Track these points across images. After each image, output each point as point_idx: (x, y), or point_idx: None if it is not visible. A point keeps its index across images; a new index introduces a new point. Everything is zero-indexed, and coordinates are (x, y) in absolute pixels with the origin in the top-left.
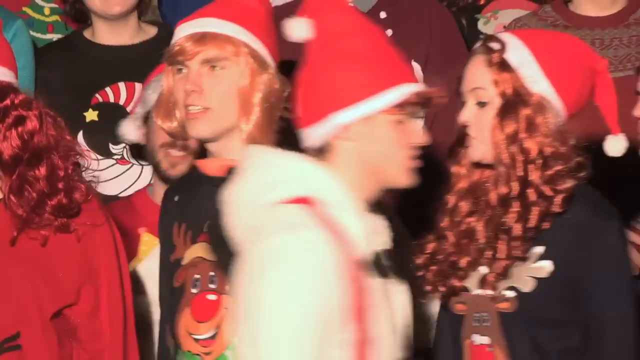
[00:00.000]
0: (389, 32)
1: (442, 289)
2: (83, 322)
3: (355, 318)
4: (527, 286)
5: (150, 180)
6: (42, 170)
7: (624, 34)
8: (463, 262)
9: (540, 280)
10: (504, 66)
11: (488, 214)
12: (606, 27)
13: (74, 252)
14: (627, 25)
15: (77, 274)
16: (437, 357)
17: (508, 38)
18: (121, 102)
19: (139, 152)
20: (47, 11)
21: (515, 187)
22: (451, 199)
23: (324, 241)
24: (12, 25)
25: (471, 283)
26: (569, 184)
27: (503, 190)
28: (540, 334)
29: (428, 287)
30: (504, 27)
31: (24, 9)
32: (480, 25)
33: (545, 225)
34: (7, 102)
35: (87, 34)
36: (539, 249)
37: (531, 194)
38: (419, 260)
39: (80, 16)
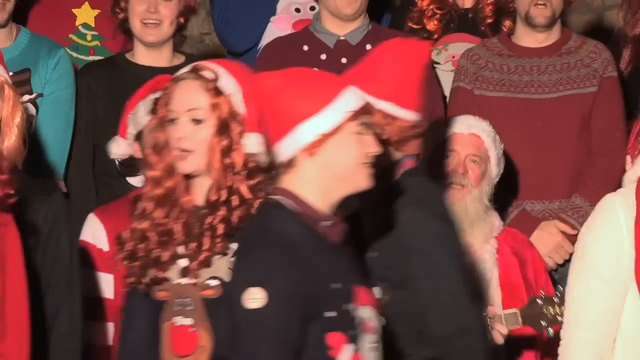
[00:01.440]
0: None
1: (145, 280)
2: None
3: None
4: (225, 273)
5: None
6: None
7: (557, 61)
8: (165, 256)
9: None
10: (218, 91)
11: (184, 217)
12: (542, 56)
13: None
14: (559, 55)
15: None
16: (127, 336)
17: (218, 69)
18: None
19: (130, 165)
20: (89, 37)
21: (224, 194)
22: (148, 205)
23: None
24: (56, 52)
25: (173, 274)
26: (265, 191)
27: (213, 196)
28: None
29: (131, 279)
30: (453, 56)
31: (70, 35)
32: (434, 56)
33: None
34: None
35: (128, 55)
36: (234, 246)
37: (235, 200)
38: (120, 256)
39: (125, 33)
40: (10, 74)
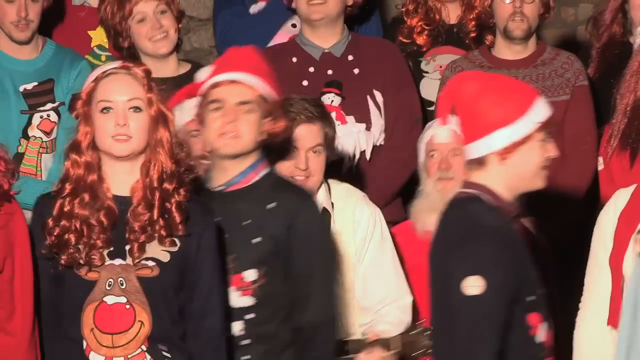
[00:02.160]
0: (356, 70)
1: (83, 260)
2: (4, 286)
3: None
4: (165, 258)
5: None
6: None
7: (533, 72)
8: (99, 242)
9: (172, 254)
10: (151, 88)
11: (106, 206)
12: (519, 68)
13: (0, 233)
14: (535, 66)
15: (2, 249)
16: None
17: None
18: None
19: None
20: (103, 58)
21: (157, 181)
22: (70, 199)
23: None
24: (78, 64)
25: (107, 256)
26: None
27: (146, 186)
28: (174, 293)
29: (62, 261)
30: (440, 66)
31: (86, 56)
32: (423, 66)
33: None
34: None
35: None
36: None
37: (167, 188)
38: (49, 241)
39: (133, 58)
40: (35, 83)
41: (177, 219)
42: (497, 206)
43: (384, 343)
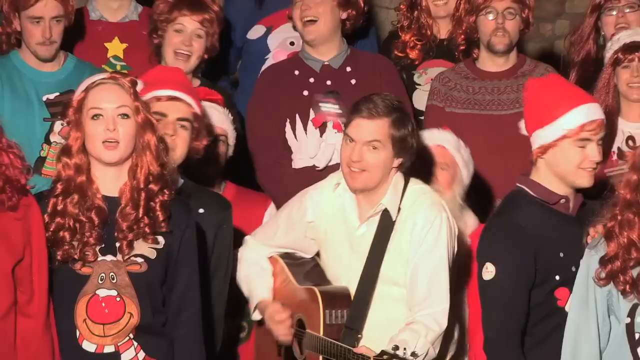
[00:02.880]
0: (353, 81)
1: (77, 256)
2: (23, 274)
3: None
4: (152, 255)
5: None
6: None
7: (514, 83)
8: (91, 239)
9: (158, 250)
10: (137, 97)
11: (96, 205)
12: (501, 79)
13: (19, 222)
14: (515, 77)
15: (22, 237)
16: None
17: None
18: None
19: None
20: (118, 67)
21: (143, 182)
22: (61, 199)
23: None
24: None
25: (99, 253)
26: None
27: (134, 187)
28: (159, 286)
29: (58, 257)
30: (431, 79)
31: (103, 66)
32: (415, 78)
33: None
34: None
35: None
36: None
37: (152, 189)
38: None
39: (159, 57)
40: (57, 93)
41: (161, 217)
42: (540, 198)
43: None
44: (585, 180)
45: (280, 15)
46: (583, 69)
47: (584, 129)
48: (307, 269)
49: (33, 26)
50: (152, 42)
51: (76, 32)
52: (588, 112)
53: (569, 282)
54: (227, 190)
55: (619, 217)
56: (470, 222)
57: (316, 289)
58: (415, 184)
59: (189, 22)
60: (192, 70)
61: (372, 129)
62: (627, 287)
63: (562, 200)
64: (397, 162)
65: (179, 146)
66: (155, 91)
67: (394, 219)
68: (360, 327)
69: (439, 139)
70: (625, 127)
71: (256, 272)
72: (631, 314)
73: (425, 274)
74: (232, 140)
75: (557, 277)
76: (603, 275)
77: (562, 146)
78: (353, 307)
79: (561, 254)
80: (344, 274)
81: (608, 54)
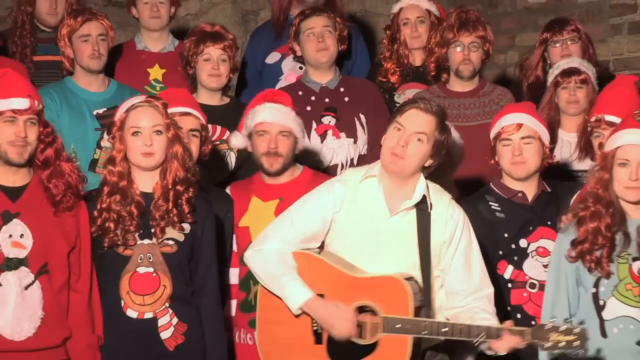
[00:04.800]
0: (346, 99)
1: (120, 242)
2: (74, 259)
3: None
4: (181, 238)
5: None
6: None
7: (476, 101)
8: (131, 227)
9: (185, 235)
10: (168, 116)
11: (135, 200)
12: (466, 98)
13: (73, 219)
14: (477, 97)
15: (75, 230)
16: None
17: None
18: (215, 136)
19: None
20: (158, 89)
21: (171, 183)
22: (107, 196)
23: None
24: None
25: (138, 238)
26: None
27: (165, 185)
28: (187, 263)
29: (105, 243)
30: (408, 98)
31: (145, 87)
32: (396, 98)
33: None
34: (49, 129)
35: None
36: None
37: (179, 188)
38: (95, 228)
39: (194, 84)
40: (105, 109)
41: (186, 209)
42: (499, 193)
43: (519, 333)
44: (515, 173)
45: None
46: (533, 90)
47: (504, 130)
48: (336, 258)
49: (83, 44)
50: (187, 72)
51: (125, 60)
52: (505, 118)
53: (507, 256)
54: (304, 174)
55: (591, 208)
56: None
57: (396, 275)
58: (430, 182)
59: (214, 51)
60: (222, 87)
61: (424, 121)
62: (593, 264)
63: (519, 194)
64: (429, 162)
65: (192, 151)
66: (172, 108)
67: (429, 211)
68: (432, 309)
69: None
70: (564, 136)
71: (287, 268)
72: (596, 285)
73: (476, 263)
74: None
75: (500, 252)
76: (573, 254)
77: (497, 147)
78: (425, 291)
79: (506, 234)
80: (371, 262)
81: (550, 78)
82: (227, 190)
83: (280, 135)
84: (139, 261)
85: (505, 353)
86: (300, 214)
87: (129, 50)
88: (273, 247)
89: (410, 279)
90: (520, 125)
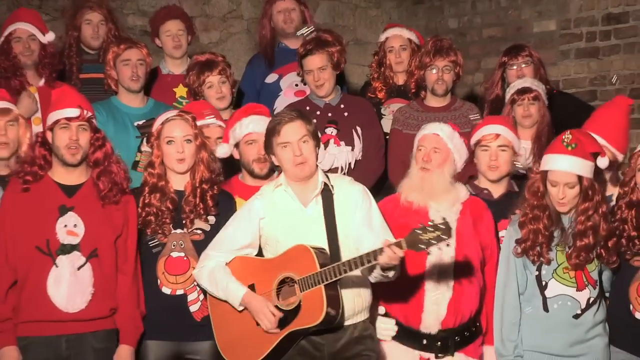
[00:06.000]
0: (345, 114)
1: (159, 231)
2: (121, 244)
3: None
4: (207, 228)
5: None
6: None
7: (449, 115)
8: (167, 220)
9: (211, 225)
10: (196, 127)
11: (170, 197)
12: (441, 112)
13: (121, 211)
14: (450, 111)
15: (122, 221)
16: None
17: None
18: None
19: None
20: (184, 104)
21: (198, 181)
22: (148, 194)
23: None
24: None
25: (172, 228)
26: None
27: (193, 184)
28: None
29: (148, 232)
30: (392, 111)
31: (174, 103)
32: (382, 111)
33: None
34: (100, 134)
35: None
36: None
37: (205, 186)
38: (139, 221)
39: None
40: (144, 120)
41: (211, 204)
42: (470, 189)
43: (397, 244)
44: (489, 175)
45: (287, 67)
46: (494, 105)
47: (484, 138)
48: (264, 255)
49: (125, 67)
50: (202, 96)
51: (155, 83)
52: (485, 128)
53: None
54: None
55: (529, 215)
56: (462, 194)
57: (303, 244)
58: (330, 173)
59: (213, 78)
60: (229, 103)
61: (298, 127)
62: (535, 257)
63: (485, 191)
64: (317, 150)
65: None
66: (199, 121)
67: (332, 192)
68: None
69: (435, 129)
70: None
71: (225, 275)
72: (539, 269)
73: (377, 223)
74: None
75: None
76: (519, 250)
77: (477, 152)
78: (332, 253)
79: None
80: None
81: (507, 96)
82: None
83: None
84: (173, 247)
85: (396, 263)
86: (231, 231)
87: (156, 74)
88: (211, 264)
89: (315, 246)
90: (498, 135)
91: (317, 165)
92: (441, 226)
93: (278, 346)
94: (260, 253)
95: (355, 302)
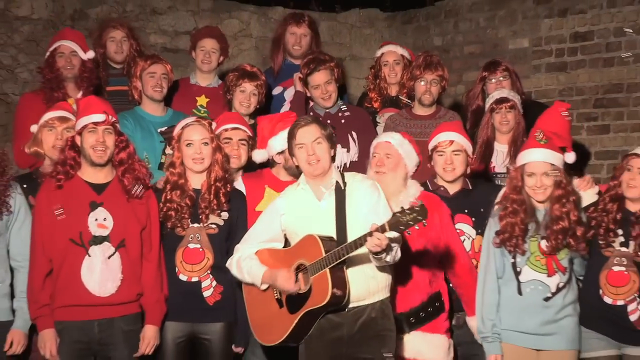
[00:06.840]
0: (343, 121)
1: (179, 225)
2: (146, 235)
3: None
4: (221, 223)
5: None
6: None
7: (434, 122)
8: (186, 215)
9: (224, 220)
10: (212, 131)
11: (188, 195)
12: (427, 119)
13: (144, 205)
14: (435, 119)
15: (145, 214)
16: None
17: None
18: None
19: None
20: (202, 111)
21: (213, 180)
22: (169, 191)
23: None
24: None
25: (190, 222)
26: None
27: (209, 183)
28: (225, 241)
29: (168, 226)
30: (386, 119)
31: (193, 110)
32: (377, 119)
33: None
34: (124, 137)
35: None
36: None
37: (219, 184)
38: (160, 215)
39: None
40: (166, 127)
41: (224, 200)
42: (429, 187)
43: (381, 228)
44: (445, 177)
45: (290, 81)
46: (475, 114)
47: (439, 144)
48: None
49: (150, 79)
50: (226, 97)
51: (181, 90)
52: (440, 135)
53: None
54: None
55: (509, 208)
56: (413, 192)
57: (312, 234)
58: (345, 172)
59: (248, 86)
60: (250, 114)
61: (312, 130)
62: (512, 248)
63: (441, 188)
64: (332, 151)
65: (242, 156)
66: (225, 125)
67: (344, 188)
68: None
69: (387, 137)
70: (498, 147)
71: (252, 262)
72: (514, 257)
73: (384, 212)
74: None
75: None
76: (497, 241)
77: (434, 156)
78: (339, 239)
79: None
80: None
81: (487, 105)
82: (240, 181)
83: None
84: (190, 239)
85: (378, 250)
86: (257, 226)
87: (184, 83)
88: (239, 254)
89: (322, 235)
90: (452, 142)
91: (331, 165)
92: (417, 208)
93: (298, 325)
94: (287, 245)
95: (369, 284)
